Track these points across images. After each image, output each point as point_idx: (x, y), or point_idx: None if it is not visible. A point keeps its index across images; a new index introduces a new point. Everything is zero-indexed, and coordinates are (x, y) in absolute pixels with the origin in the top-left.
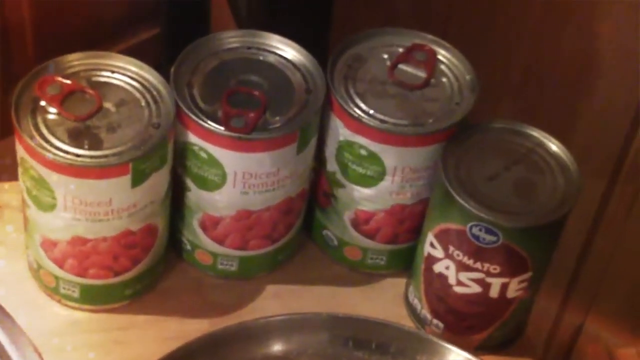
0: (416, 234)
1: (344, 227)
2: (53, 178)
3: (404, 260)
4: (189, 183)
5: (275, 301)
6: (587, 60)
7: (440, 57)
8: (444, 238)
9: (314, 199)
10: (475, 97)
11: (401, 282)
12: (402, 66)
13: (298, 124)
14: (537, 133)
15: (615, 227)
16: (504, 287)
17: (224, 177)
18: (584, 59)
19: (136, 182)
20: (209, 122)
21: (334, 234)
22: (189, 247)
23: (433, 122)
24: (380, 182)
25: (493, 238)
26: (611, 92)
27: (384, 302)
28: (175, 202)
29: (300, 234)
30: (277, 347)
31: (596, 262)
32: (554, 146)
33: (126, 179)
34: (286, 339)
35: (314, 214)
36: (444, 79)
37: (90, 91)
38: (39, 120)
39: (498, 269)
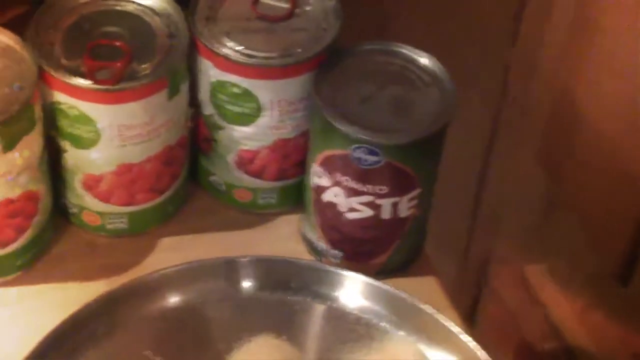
0: (303, 167)
1: (229, 170)
2: None
3: (295, 196)
4: (64, 144)
5: (172, 253)
6: None
7: None
8: (328, 166)
9: (197, 146)
10: (340, 23)
11: (295, 218)
12: (264, 0)
13: (165, 69)
14: (406, 50)
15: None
16: (395, 207)
17: (97, 132)
18: None
19: (7, 147)
20: (74, 77)
21: (220, 178)
22: (75, 210)
23: (301, 51)
24: (258, 119)
25: (375, 158)
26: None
27: (281, 240)
28: (54, 166)
29: (187, 183)
30: (176, 299)
31: (495, 187)
32: (425, 61)
33: None
34: (185, 288)
35: (198, 162)
36: (308, 8)
37: None
38: None
39: (386, 189)
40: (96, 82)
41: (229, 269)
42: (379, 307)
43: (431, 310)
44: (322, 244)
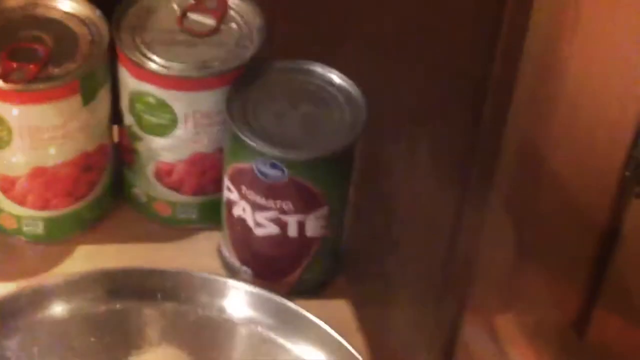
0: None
1: (149, 182)
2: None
3: (216, 213)
4: None
5: (86, 263)
6: None
7: (231, 3)
8: (236, 179)
9: (121, 157)
10: (262, 40)
11: (216, 235)
12: (192, 15)
13: (77, 74)
14: (321, 69)
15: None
16: (302, 225)
17: (10, 132)
18: None
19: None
20: None
21: (141, 190)
22: None
23: (218, 65)
24: (174, 130)
25: (279, 173)
26: None
27: (198, 255)
28: None
29: (109, 193)
30: (58, 309)
31: (468, 237)
32: (338, 79)
33: None
34: (66, 299)
35: (123, 173)
36: (234, 25)
37: None
38: None
39: (290, 206)
40: (9, 82)
41: (107, 279)
42: (267, 318)
43: (313, 317)
44: (234, 260)
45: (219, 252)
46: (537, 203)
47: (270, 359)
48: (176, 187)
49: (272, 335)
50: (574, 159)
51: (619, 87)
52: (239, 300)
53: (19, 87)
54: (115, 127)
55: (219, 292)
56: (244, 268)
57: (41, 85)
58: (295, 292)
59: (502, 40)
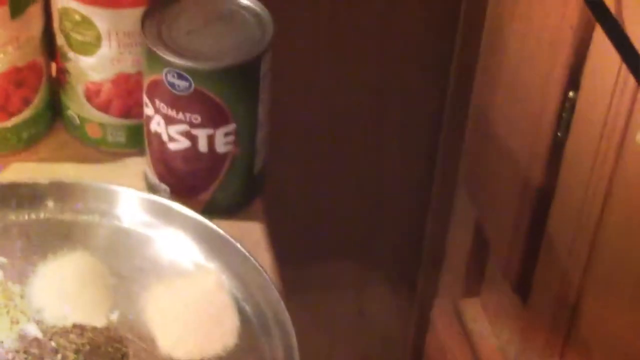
0: None
1: (81, 103)
2: None
3: (143, 137)
4: None
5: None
6: None
7: None
8: (151, 93)
9: (58, 79)
10: None
11: (144, 159)
12: None
13: None
14: None
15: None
16: (211, 140)
17: None
18: None
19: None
20: None
21: (74, 111)
22: None
23: None
24: (99, 49)
25: (185, 84)
26: None
27: (125, 177)
28: None
29: (46, 115)
30: None
31: (438, 220)
32: (248, 2)
33: None
34: None
35: (59, 95)
36: None
37: None
38: None
39: (199, 119)
40: None
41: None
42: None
43: (227, 236)
44: (154, 178)
45: (144, 172)
46: (488, 173)
47: (185, 275)
48: (105, 108)
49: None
50: (514, 123)
51: (547, 47)
52: (130, 205)
53: None
54: None
55: (111, 199)
56: (163, 186)
57: None
58: (210, 211)
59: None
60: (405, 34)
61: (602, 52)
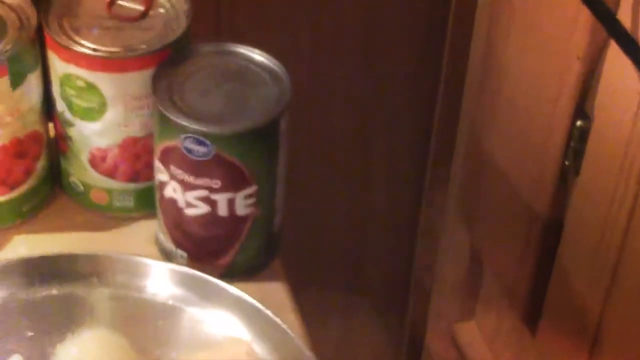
0: None
1: (84, 170)
2: None
3: (152, 200)
4: None
5: (23, 252)
6: None
7: None
8: (165, 159)
9: (57, 146)
10: (188, 22)
11: (153, 222)
12: (121, 2)
13: (5, 56)
14: (244, 49)
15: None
16: (232, 204)
17: None
18: None
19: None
20: None
21: (77, 178)
22: None
23: (145, 47)
24: (104, 114)
25: (204, 149)
26: None
27: (136, 243)
28: None
29: (48, 183)
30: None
31: (427, 242)
32: (261, 59)
33: None
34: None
35: (59, 163)
36: (162, 10)
37: None
38: None
39: (219, 184)
40: None
41: (26, 266)
42: (197, 298)
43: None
44: (170, 244)
45: (156, 238)
46: (485, 199)
47: (212, 346)
48: (111, 174)
49: (195, 310)
50: (516, 151)
51: (553, 77)
52: (162, 279)
53: None
54: None
55: (142, 272)
56: (179, 252)
57: None
58: (230, 275)
59: (449, 42)
60: (392, 60)
61: (616, 82)
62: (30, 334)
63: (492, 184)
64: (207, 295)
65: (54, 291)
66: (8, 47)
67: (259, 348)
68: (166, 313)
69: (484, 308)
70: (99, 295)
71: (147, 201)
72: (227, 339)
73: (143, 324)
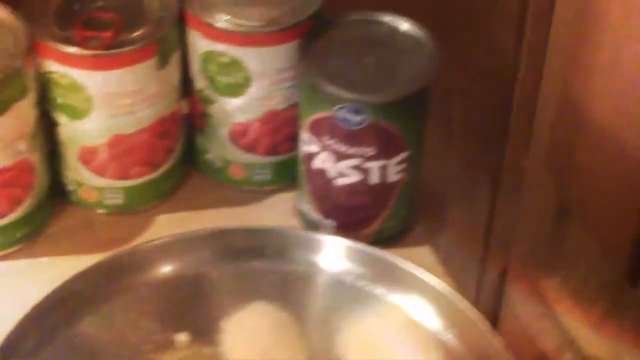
0: (295, 142)
1: (223, 146)
2: None
3: (290, 172)
4: (59, 116)
5: (168, 230)
6: None
7: None
8: (316, 130)
9: (192, 124)
10: None
11: (291, 195)
12: None
13: (152, 37)
14: (389, 18)
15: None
16: (383, 171)
17: (89, 101)
18: None
19: None
20: (66, 45)
21: (215, 155)
22: (72, 186)
23: (287, 19)
24: (247, 89)
25: (360, 118)
26: None
27: (276, 216)
28: (52, 144)
29: (183, 162)
30: (168, 268)
31: (508, 197)
32: (407, 27)
33: None
34: (174, 259)
35: (194, 141)
36: None
37: None
38: None
39: (373, 151)
40: (87, 49)
41: (217, 239)
42: (366, 271)
43: (416, 271)
44: (315, 215)
45: (297, 209)
46: (578, 157)
47: (368, 310)
48: (251, 148)
49: (368, 286)
50: (617, 107)
51: None
52: (332, 254)
53: (96, 52)
54: None
55: (317, 248)
56: (326, 221)
57: (119, 50)
58: (376, 242)
59: None
60: None
61: None
62: (198, 309)
63: (588, 140)
64: (383, 272)
65: (223, 265)
66: (153, 28)
67: (423, 313)
68: (337, 288)
69: (570, 264)
70: (268, 269)
71: (284, 174)
72: (386, 306)
73: (312, 299)
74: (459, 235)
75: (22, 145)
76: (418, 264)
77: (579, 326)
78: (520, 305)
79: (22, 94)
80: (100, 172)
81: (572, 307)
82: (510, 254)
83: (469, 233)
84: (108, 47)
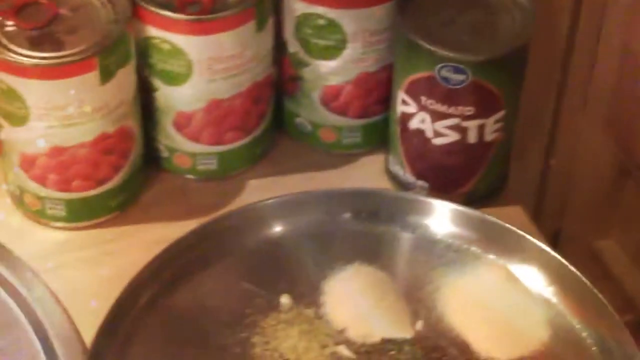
0: (386, 104)
1: (315, 109)
2: (20, 85)
3: (379, 134)
4: (157, 82)
5: (260, 194)
6: None
7: None
8: (414, 90)
9: (282, 88)
10: None
11: (380, 157)
12: None
13: (251, 0)
14: None
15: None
16: (481, 130)
17: (189, 66)
18: None
19: (104, 78)
20: (166, 10)
21: (306, 118)
22: (166, 153)
23: None
24: (343, 51)
25: (462, 77)
26: None
27: (367, 178)
28: (146, 109)
29: (273, 127)
30: (276, 229)
31: (564, 157)
32: None
33: (94, 76)
34: (284, 220)
35: (283, 106)
36: None
37: (44, 0)
38: None
39: (472, 110)
40: (187, 14)
41: (328, 200)
42: (468, 232)
43: (519, 231)
44: (409, 176)
45: (388, 171)
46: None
47: (475, 274)
48: (342, 111)
49: (479, 250)
50: None
51: None
52: (442, 218)
53: (197, 17)
54: None
55: (422, 211)
56: (420, 182)
57: (220, 14)
58: (468, 202)
59: None
60: None
61: None
62: (300, 271)
63: None
64: (489, 235)
65: (330, 227)
66: None
67: (521, 271)
68: (438, 250)
69: (627, 226)
70: (372, 231)
71: (374, 136)
72: (486, 265)
73: (415, 262)
74: (512, 194)
75: (124, 112)
76: (513, 224)
77: (637, 288)
78: (575, 267)
79: (126, 60)
80: (194, 137)
81: (630, 269)
82: (565, 212)
83: (523, 191)
84: (208, 12)
